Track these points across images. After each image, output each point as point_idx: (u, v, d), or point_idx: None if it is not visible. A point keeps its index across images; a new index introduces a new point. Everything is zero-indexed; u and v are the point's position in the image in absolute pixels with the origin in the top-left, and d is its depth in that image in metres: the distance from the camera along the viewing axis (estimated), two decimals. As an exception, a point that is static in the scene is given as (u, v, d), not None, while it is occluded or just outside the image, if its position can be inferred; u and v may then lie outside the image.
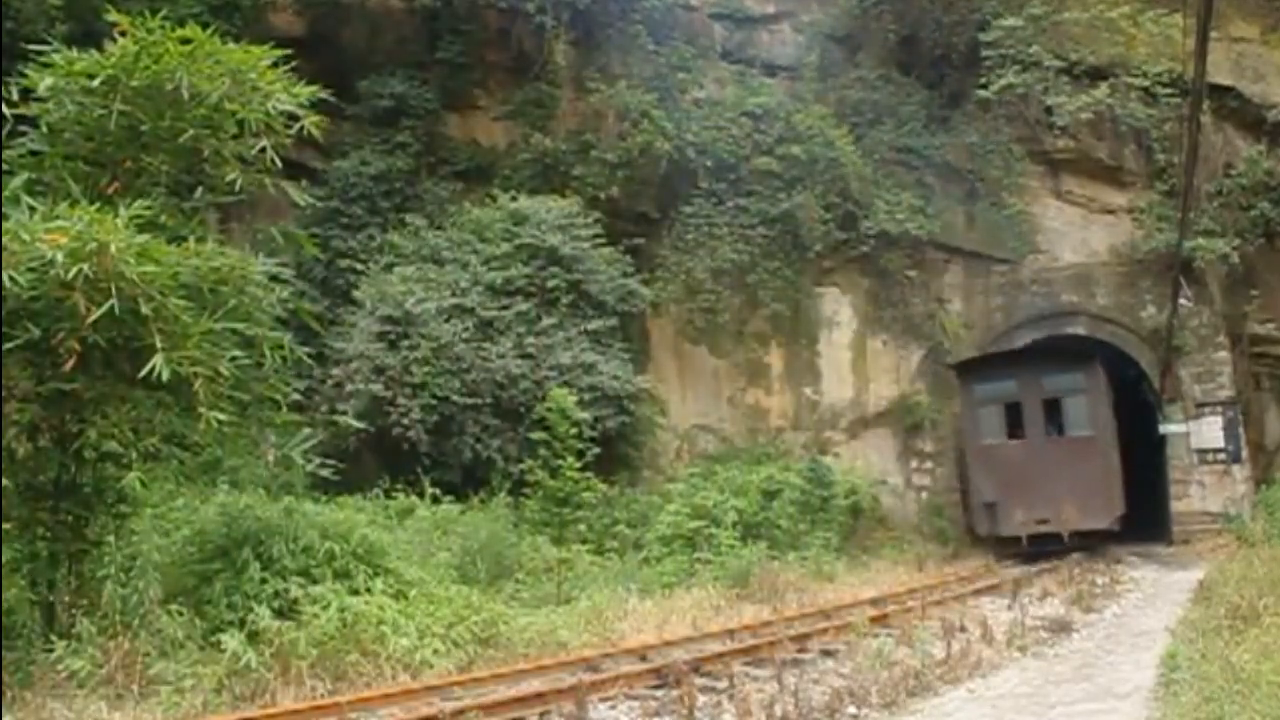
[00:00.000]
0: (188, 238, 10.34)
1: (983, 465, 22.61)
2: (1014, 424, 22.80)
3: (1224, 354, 24.32)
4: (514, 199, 22.68)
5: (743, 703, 8.38)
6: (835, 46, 27.27)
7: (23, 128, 10.73)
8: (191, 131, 10.58)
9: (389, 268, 21.27)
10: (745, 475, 20.60)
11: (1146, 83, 24.49)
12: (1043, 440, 22.44)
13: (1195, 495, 24.12)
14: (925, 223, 25.13)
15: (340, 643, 10.00)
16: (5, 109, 10.57)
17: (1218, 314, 24.53)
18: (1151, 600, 15.43)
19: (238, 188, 10.94)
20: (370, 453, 18.87)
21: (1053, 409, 22.85)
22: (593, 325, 21.34)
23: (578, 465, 18.05)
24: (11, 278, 8.75)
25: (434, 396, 18.99)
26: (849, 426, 25.41)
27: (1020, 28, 25.12)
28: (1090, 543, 21.18)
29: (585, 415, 18.89)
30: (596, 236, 22.31)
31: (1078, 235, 25.65)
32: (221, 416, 9.59)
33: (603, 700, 9.07)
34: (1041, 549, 20.82)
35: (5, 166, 10.34)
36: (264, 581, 10.55)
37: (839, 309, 25.74)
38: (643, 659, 10.56)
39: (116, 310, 8.98)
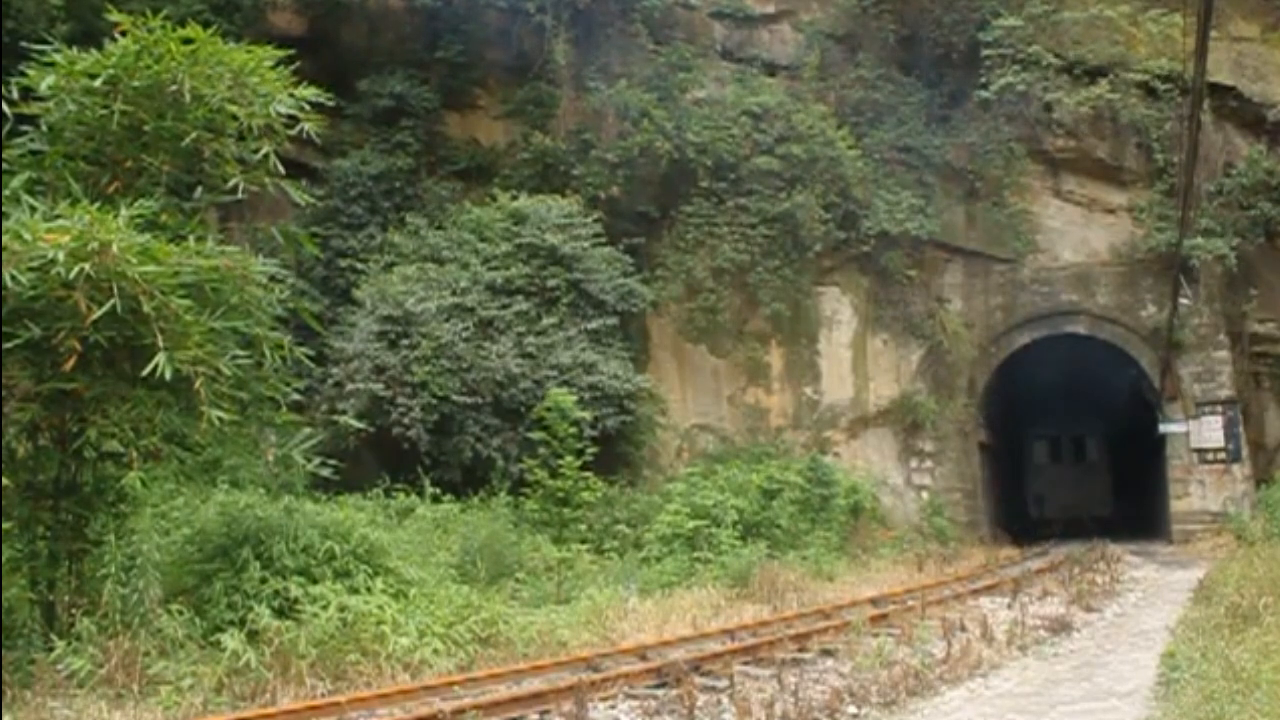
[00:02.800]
0: (188, 237, 10.34)
1: (1036, 476, 36.12)
2: (1055, 453, 36.27)
3: (1224, 353, 24.32)
4: (514, 198, 22.70)
5: (743, 702, 8.39)
6: (835, 46, 27.26)
7: (24, 127, 10.73)
8: (193, 133, 10.58)
9: (389, 267, 21.29)
10: (745, 475, 20.60)
11: (1146, 78, 24.50)
12: (1071, 462, 35.67)
13: (1195, 494, 24.14)
14: (925, 222, 25.13)
15: (340, 642, 10.00)
16: (6, 108, 10.58)
17: (1218, 313, 24.52)
18: (1151, 599, 15.43)
19: (238, 189, 10.94)
20: (370, 452, 18.88)
21: (1078, 444, 36.09)
22: (593, 325, 21.35)
23: (578, 465, 18.06)
24: (13, 277, 8.75)
25: (434, 396, 18.99)
26: (849, 426, 25.42)
27: (1020, 27, 25.13)
28: (1096, 525, 29.72)
29: (585, 415, 18.91)
30: (596, 236, 22.32)
31: (1078, 234, 25.66)
32: (222, 416, 9.59)
33: (603, 700, 9.07)
34: (1069, 527, 30.14)
35: (6, 166, 10.34)
36: (264, 581, 10.54)
37: (839, 308, 25.75)
38: (643, 658, 10.55)
39: (118, 309, 8.99)
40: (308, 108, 11.10)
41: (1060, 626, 12.61)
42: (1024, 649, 11.51)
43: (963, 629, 12.17)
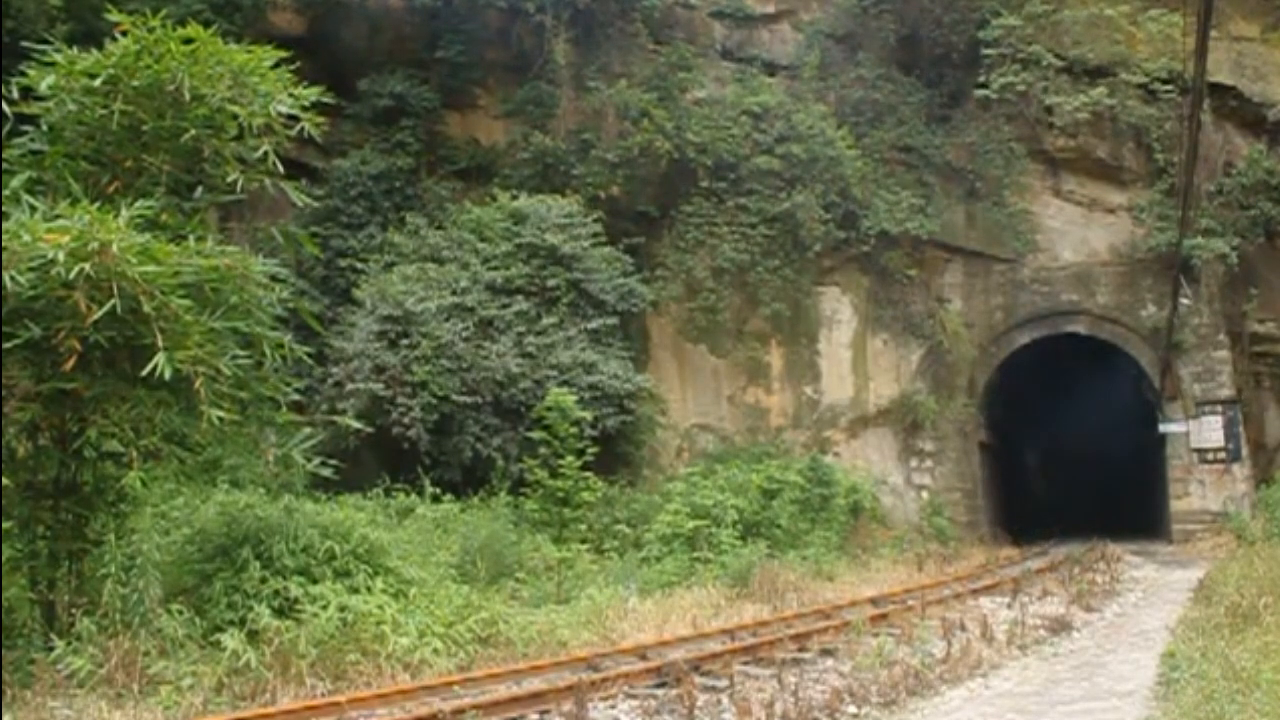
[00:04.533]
0: (188, 237, 10.34)
1: (1036, 475, 38.45)
2: (1055, 452, 37.98)
3: (1224, 353, 24.32)
4: (514, 198, 22.69)
5: (743, 702, 8.39)
6: (835, 45, 27.26)
7: (24, 127, 10.73)
8: (193, 131, 10.58)
9: (389, 267, 21.28)
10: (745, 474, 20.59)
11: (1146, 80, 24.50)
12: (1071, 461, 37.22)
13: (1195, 494, 24.14)
14: (925, 222, 25.13)
15: (340, 642, 9.99)
16: (6, 108, 10.58)
17: (1218, 313, 24.53)
18: (1151, 599, 15.43)
19: (238, 188, 10.95)
20: (370, 452, 18.86)
21: (1077, 443, 36.26)
22: (593, 324, 21.35)
23: (578, 464, 18.05)
24: (13, 277, 8.75)
25: (434, 396, 18.98)
26: (849, 425, 25.42)
27: (1019, 26, 25.13)
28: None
29: (585, 414, 18.90)
30: (596, 236, 22.32)
31: (1078, 234, 25.66)
32: (222, 416, 9.58)
33: (603, 699, 9.07)
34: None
35: (6, 166, 10.33)
36: (264, 581, 10.53)
37: (839, 308, 25.75)
38: (643, 658, 10.55)
39: (118, 310, 8.98)
40: (308, 107, 11.09)
41: (1060, 626, 12.61)
42: (1024, 649, 11.51)
43: (963, 629, 12.17)
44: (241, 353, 10.21)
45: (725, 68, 27.11)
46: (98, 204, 9.69)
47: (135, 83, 10.41)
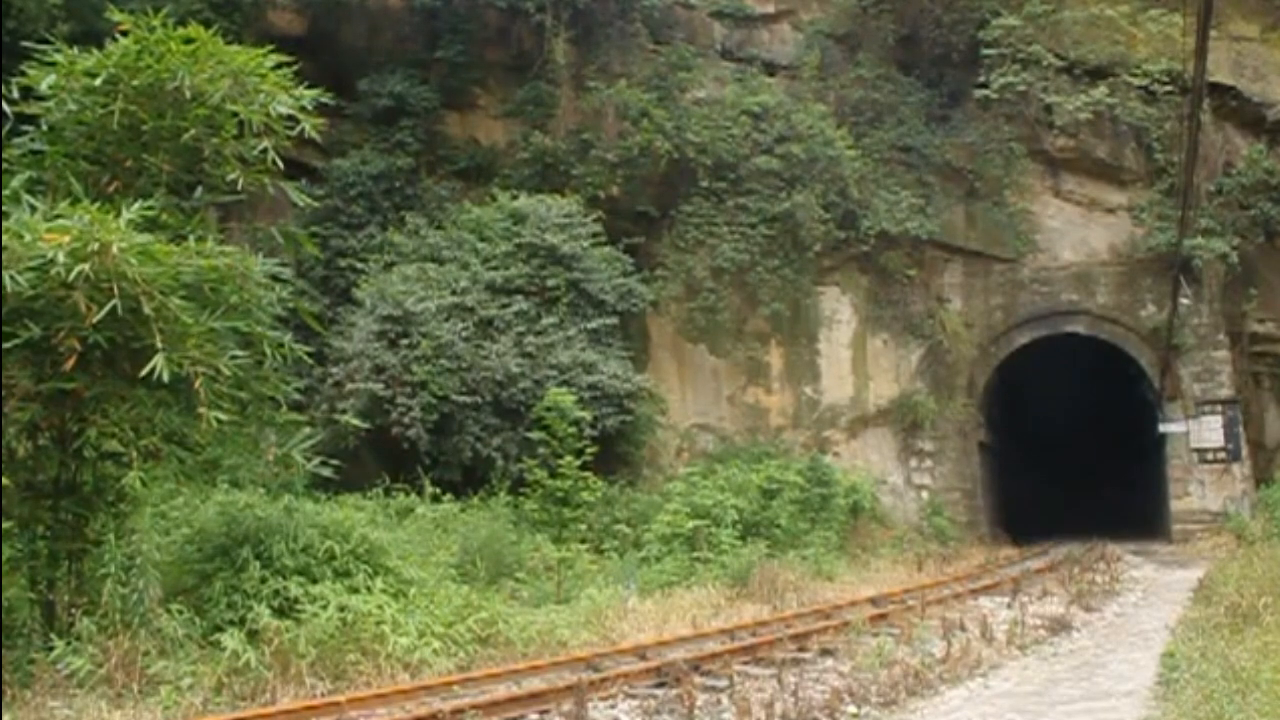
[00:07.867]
0: (188, 237, 10.34)
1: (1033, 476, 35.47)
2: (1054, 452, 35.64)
3: (1224, 353, 24.33)
4: (514, 198, 22.69)
5: (742, 702, 8.39)
6: (835, 45, 27.27)
7: (24, 127, 10.73)
8: (193, 131, 10.58)
9: (389, 267, 21.29)
10: (745, 474, 20.58)
11: (1146, 82, 24.51)
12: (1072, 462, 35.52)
13: (1195, 494, 24.16)
14: (925, 222, 25.13)
15: (340, 642, 10.00)
16: (7, 108, 10.58)
17: (1217, 313, 24.53)
18: (1151, 599, 15.43)
19: (238, 187, 10.95)
20: (370, 452, 18.87)
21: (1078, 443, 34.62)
22: (593, 324, 21.35)
23: (577, 464, 18.05)
24: (12, 277, 8.75)
25: (434, 395, 18.99)
26: (849, 425, 25.42)
27: (1019, 26, 25.13)
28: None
29: (585, 414, 18.90)
30: (596, 236, 22.32)
31: (1078, 234, 25.67)
32: (222, 415, 9.58)
33: (603, 699, 9.07)
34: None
35: (6, 165, 10.34)
36: (264, 580, 10.53)
37: (839, 308, 25.76)
38: (642, 658, 10.56)
39: (118, 310, 8.98)
40: (307, 107, 11.10)
41: (1060, 626, 12.61)
42: (1024, 649, 11.51)
43: (962, 629, 12.17)
44: (241, 353, 10.22)
45: (725, 68, 27.09)
46: (98, 204, 9.69)
47: (135, 82, 10.42)
